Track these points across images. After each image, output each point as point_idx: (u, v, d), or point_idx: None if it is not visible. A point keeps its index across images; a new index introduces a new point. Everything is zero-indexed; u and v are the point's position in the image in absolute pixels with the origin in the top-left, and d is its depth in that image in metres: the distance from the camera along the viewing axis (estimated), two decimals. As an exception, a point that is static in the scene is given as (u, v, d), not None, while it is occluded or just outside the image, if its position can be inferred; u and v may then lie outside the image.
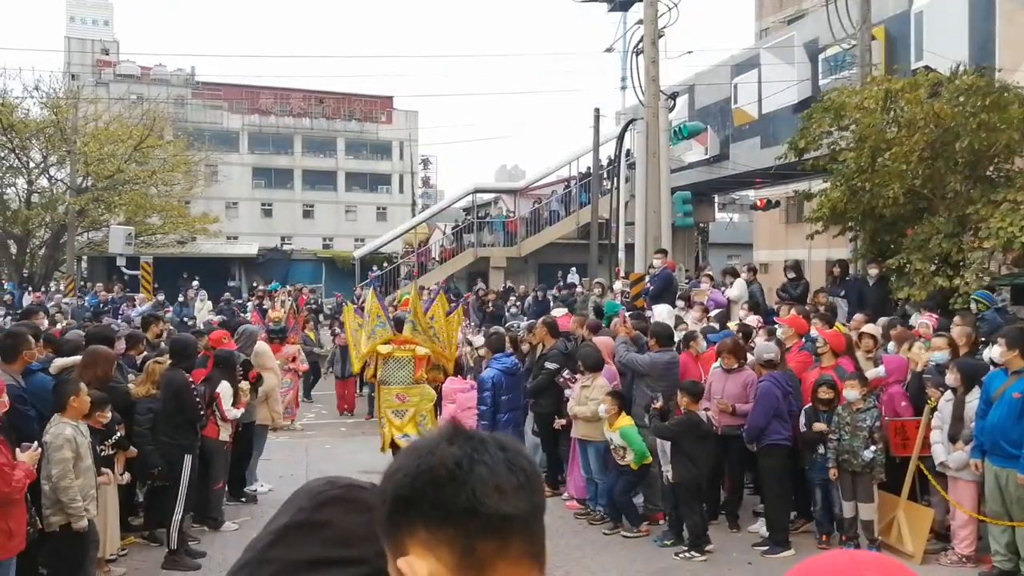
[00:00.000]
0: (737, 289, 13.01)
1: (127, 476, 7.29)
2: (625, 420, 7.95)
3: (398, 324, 10.15)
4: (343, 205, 58.36)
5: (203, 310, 22.67)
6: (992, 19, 15.71)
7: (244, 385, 8.84)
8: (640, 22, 16.17)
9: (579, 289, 21.51)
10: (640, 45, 15.99)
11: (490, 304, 21.18)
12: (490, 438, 1.14)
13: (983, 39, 15.86)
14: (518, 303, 21.42)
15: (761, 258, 36.43)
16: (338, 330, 18.13)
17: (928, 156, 12.05)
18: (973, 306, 10.02)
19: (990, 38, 15.69)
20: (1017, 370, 6.55)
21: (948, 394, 7.13)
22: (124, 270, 26.98)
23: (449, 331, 10.25)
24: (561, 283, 24.91)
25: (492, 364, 8.60)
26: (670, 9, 16.26)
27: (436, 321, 10.13)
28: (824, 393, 7.53)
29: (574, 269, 26.47)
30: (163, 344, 10.01)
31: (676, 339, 9.46)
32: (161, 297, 24.56)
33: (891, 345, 8.58)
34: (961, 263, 11.56)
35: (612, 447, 8.04)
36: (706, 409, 8.00)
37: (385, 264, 31.04)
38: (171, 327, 17.24)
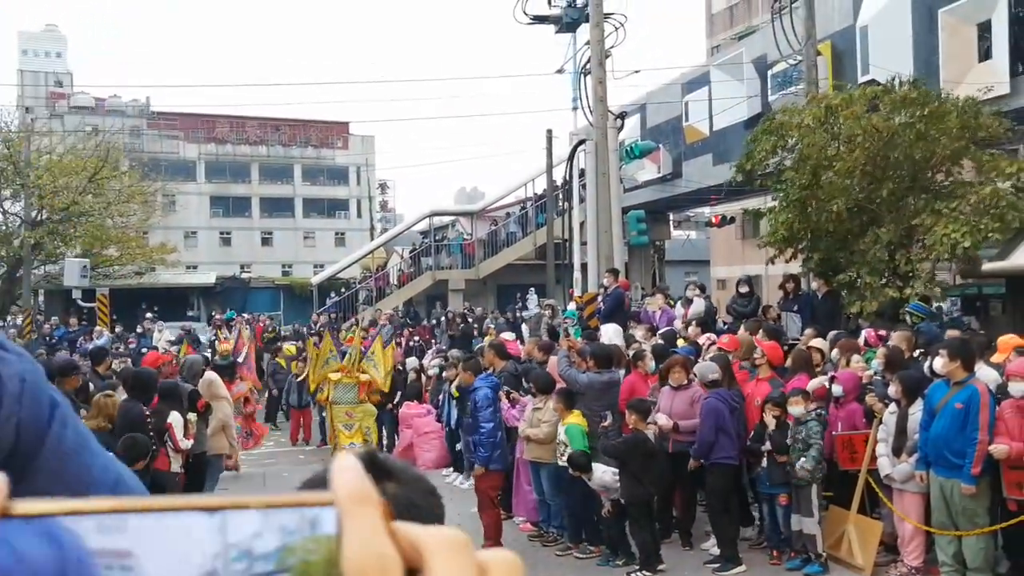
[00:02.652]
0: (698, 307, 13.01)
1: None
2: (574, 418, 7.92)
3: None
4: (301, 231, 58.08)
5: (161, 340, 22.38)
6: (935, 32, 15.98)
7: (192, 416, 8.79)
8: (588, 43, 16.28)
9: (538, 310, 21.52)
10: (588, 66, 16.09)
11: (458, 328, 21.16)
12: (392, 493, 1.09)
13: (927, 52, 16.11)
14: (475, 325, 21.38)
15: (719, 274, 36.72)
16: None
17: (870, 170, 12.22)
18: (908, 319, 10.14)
19: (934, 51, 15.93)
20: (959, 381, 6.59)
21: (892, 406, 7.16)
22: (80, 302, 26.59)
23: (385, 361, 12.92)
24: (520, 304, 24.90)
25: (480, 383, 8.64)
26: (617, 29, 16.39)
27: (376, 355, 12.73)
28: (771, 411, 7.53)
29: (532, 289, 26.46)
30: (114, 378, 9.87)
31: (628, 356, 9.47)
32: (119, 329, 24.23)
33: (834, 353, 8.64)
34: (910, 274, 11.71)
35: (556, 441, 8.03)
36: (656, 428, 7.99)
37: (343, 290, 30.83)
38: (128, 359, 17.01)
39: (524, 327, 17.24)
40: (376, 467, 1.15)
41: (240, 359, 14.41)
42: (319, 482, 1.19)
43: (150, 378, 8.11)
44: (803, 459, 7.12)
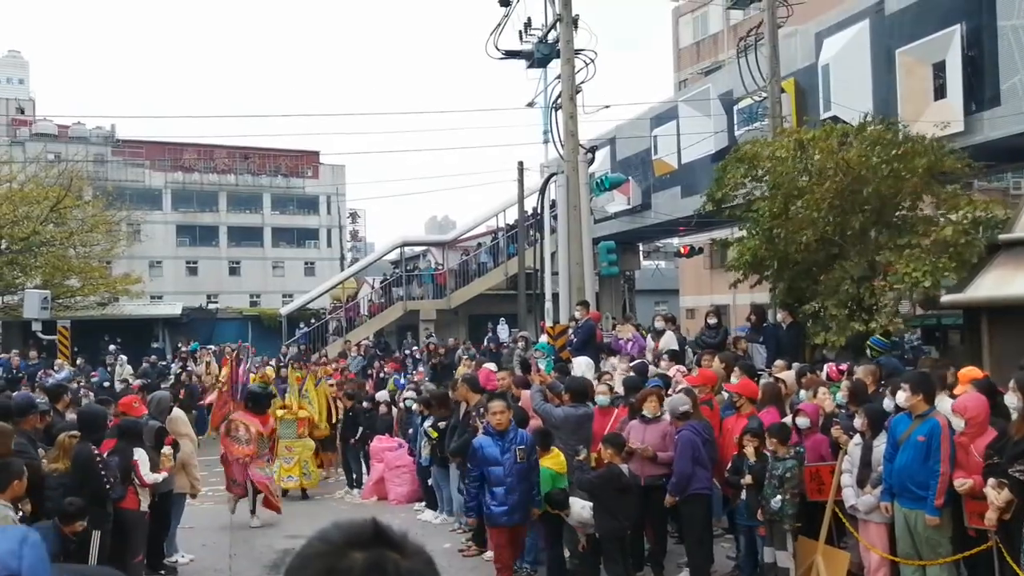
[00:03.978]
0: (669, 341, 13.10)
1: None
2: (550, 460, 7.89)
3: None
4: (270, 261, 57.76)
5: (123, 374, 22.09)
6: (893, 72, 16.43)
7: (167, 450, 8.70)
8: (559, 77, 16.51)
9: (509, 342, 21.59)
10: (559, 100, 16.31)
11: (440, 358, 21.15)
12: (405, 568, 1.13)
13: (886, 91, 16.56)
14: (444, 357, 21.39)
15: (687, 304, 37.17)
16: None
17: (838, 204, 12.49)
18: (868, 353, 10.36)
19: (892, 90, 16.38)
20: (921, 414, 6.75)
21: (857, 438, 7.31)
22: (40, 335, 26.10)
23: (319, 397, 14.18)
24: (490, 334, 24.96)
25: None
26: (587, 65, 16.64)
27: (310, 392, 13.91)
28: (748, 441, 7.65)
29: (503, 319, 26.55)
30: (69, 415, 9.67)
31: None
32: (80, 361, 23.84)
33: (803, 393, 8.79)
34: (874, 307, 11.96)
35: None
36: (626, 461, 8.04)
37: (313, 320, 30.65)
38: (91, 393, 16.73)
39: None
40: (384, 540, 1.16)
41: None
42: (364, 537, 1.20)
43: (97, 416, 7.88)
44: (777, 497, 7.24)
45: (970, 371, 7.65)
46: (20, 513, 6.66)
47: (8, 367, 21.36)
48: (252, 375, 14.47)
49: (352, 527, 1.17)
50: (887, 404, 7.19)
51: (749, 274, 13.93)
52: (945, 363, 10.26)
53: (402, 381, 18.60)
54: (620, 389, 9.66)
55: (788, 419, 8.00)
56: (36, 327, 25.92)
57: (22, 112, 59.67)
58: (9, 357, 22.73)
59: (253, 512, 11.61)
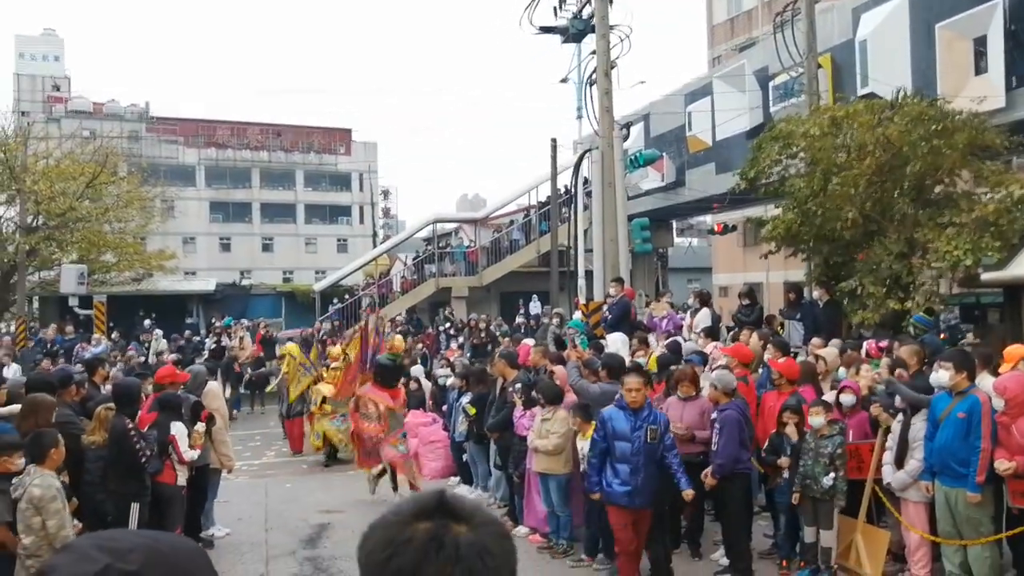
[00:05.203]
0: (704, 319, 13.01)
1: (78, 526, 7.06)
2: (591, 432, 7.87)
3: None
4: (303, 238, 58.21)
5: (159, 348, 22.36)
6: (932, 47, 16.09)
7: (200, 427, 8.68)
8: (593, 53, 16.37)
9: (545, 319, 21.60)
10: (594, 76, 16.18)
11: (480, 336, 21.21)
12: (465, 539, 1.10)
13: (925, 66, 16.24)
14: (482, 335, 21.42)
15: (720, 281, 36.91)
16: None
17: (877, 180, 12.30)
18: (912, 330, 10.21)
19: (931, 65, 16.06)
20: (961, 391, 6.67)
21: (900, 416, 7.22)
22: (77, 310, 26.47)
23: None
24: (522, 311, 24.98)
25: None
26: (622, 40, 16.49)
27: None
28: (788, 418, 7.58)
29: (535, 297, 26.52)
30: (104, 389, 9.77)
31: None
32: (116, 336, 24.17)
33: (841, 370, 8.70)
34: (911, 285, 11.79)
35: (581, 456, 7.95)
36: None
37: (346, 296, 30.81)
38: (125, 367, 16.93)
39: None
40: (447, 511, 1.13)
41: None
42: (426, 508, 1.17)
43: (131, 389, 7.91)
44: (830, 475, 7.17)
45: (1017, 349, 7.51)
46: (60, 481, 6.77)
47: (43, 343, 21.69)
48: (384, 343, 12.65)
49: (421, 498, 1.16)
50: (933, 382, 7.10)
51: (783, 246, 13.76)
52: (990, 342, 10.11)
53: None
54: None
55: (830, 396, 7.92)
56: (73, 302, 26.28)
57: (57, 89, 60.45)
58: (45, 334, 23.08)
59: (395, 488, 10.76)
